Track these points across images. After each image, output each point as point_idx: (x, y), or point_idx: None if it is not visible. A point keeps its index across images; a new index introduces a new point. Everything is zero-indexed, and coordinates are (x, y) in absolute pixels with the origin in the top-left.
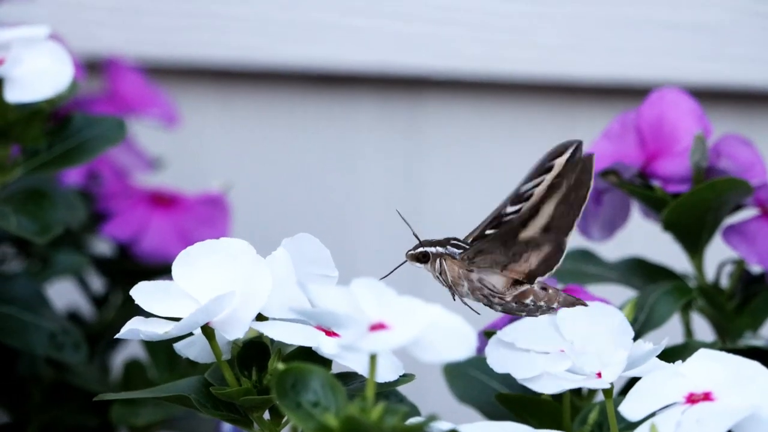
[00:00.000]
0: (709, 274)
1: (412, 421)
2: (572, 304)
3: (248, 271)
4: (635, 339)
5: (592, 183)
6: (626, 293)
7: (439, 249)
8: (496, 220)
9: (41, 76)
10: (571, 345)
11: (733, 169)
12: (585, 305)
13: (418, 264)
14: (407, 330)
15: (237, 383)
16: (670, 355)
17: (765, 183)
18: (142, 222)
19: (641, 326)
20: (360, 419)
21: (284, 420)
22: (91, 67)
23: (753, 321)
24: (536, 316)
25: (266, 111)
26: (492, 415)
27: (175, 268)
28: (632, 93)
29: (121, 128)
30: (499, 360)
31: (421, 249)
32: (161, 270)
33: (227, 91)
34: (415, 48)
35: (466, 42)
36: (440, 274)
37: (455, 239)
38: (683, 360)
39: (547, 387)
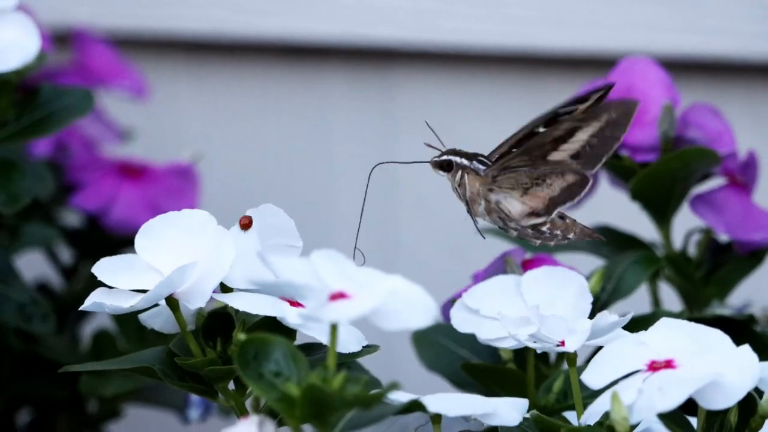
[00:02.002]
0: (677, 243)
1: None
2: (589, 236)
3: (211, 242)
4: (603, 308)
5: (628, 128)
6: (595, 262)
7: (464, 161)
8: (527, 138)
9: (8, 48)
10: (535, 310)
11: (701, 139)
12: (601, 239)
13: (441, 172)
14: (368, 299)
15: (202, 354)
16: (637, 324)
17: (733, 152)
18: (111, 193)
19: (609, 295)
20: (321, 388)
21: (249, 390)
22: (61, 39)
23: (720, 290)
24: (551, 244)
25: (237, 83)
26: (460, 383)
27: (138, 241)
28: (604, 64)
29: (89, 99)
30: (463, 321)
31: (445, 157)
32: (130, 241)
33: (198, 64)
34: (387, 20)
35: (438, 14)
36: (459, 186)
37: (483, 156)
38: None
39: (508, 343)
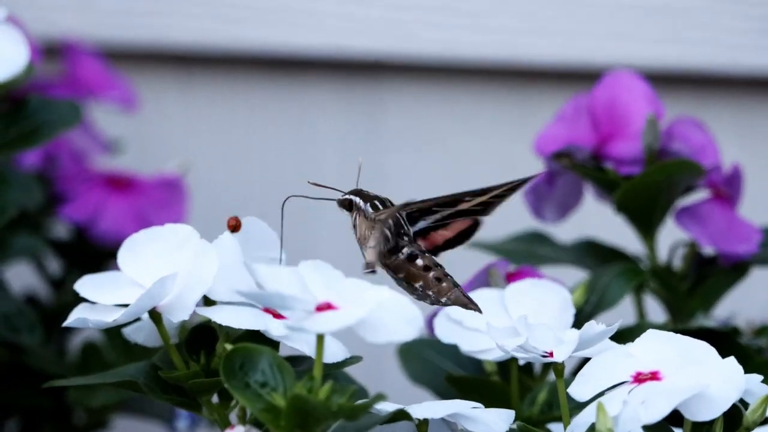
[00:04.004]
0: (662, 255)
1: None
2: (464, 305)
3: (193, 256)
4: (588, 320)
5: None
6: (579, 275)
7: (360, 202)
8: (453, 203)
9: None
10: (523, 321)
11: (685, 152)
12: (478, 310)
13: (344, 210)
14: (354, 311)
15: (185, 367)
16: (622, 336)
17: (717, 165)
18: (99, 204)
19: (593, 307)
20: (307, 399)
21: (233, 403)
22: (50, 51)
23: (705, 302)
24: (426, 302)
25: (225, 95)
26: (445, 395)
27: (121, 255)
28: (588, 76)
29: (77, 111)
30: (447, 332)
31: (347, 196)
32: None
33: (186, 75)
34: (373, 32)
35: (424, 26)
36: (354, 226)
37: (384, 200)
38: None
39: (492, 355)
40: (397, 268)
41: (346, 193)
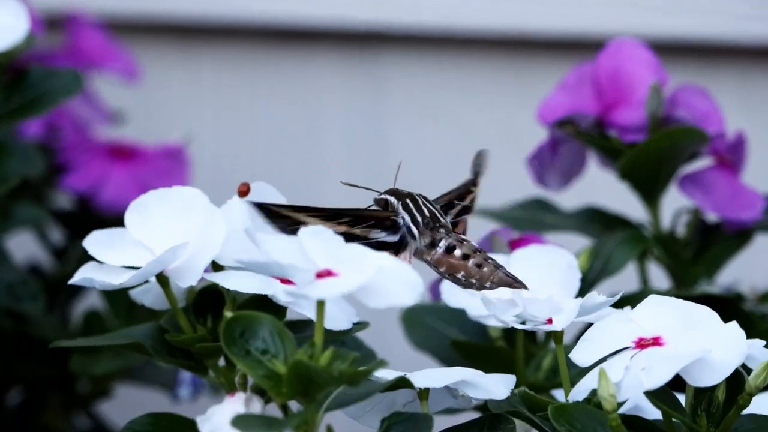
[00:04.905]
0: (666, 222)
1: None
2: (510, 285)
3: (202, 220)
4: (591, 286)
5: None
6: (583, 242)
7: (394, 200)
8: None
9: None
10: (518, 293)
11: (689, 119)
12: (524, 287)
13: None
14: (355, 277)
15: (192, 330)
16: (625, 302)
17: (721, 132)
18: (101, 174)
19: (597, 274)
20: (309, 365)
21: (239, 367)
22: (52, 23)
23: (708, 269)
24: (473, 289)
25: (227, 66)
26: (449, 362)
27: (129, 216)
28: (591, 46)
29: (78, 80)
30: (453, 296)
31: (383, 196)
32: (121, 222)
33: (188, 46)
34: (376, 3)
35: None
36: None
37: (417, 196)
38: None
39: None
40: (438, 263)
41: (382, 193)
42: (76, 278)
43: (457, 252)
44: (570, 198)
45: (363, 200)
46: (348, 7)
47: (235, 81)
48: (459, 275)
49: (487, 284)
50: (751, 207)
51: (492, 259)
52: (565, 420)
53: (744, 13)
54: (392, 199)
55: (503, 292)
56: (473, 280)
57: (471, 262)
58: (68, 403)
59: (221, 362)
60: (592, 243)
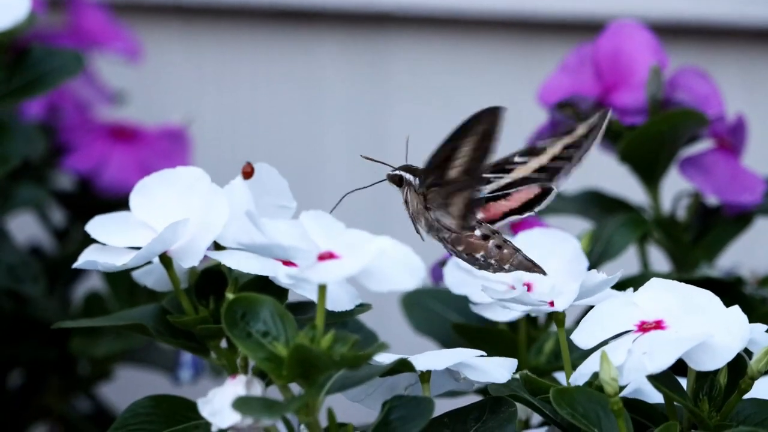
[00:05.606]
0: (666, 205)
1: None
2: (528, 269)
3: (204, 200)
4: (592, 269)
5: (496, 136)
6: (583, 225)
7: (410, 177)
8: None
9: None
10: (518, 280)
11: (689, 101)
12: (543, 272)
13: (395, 186)
14: (356, 260)
15: (194, 312)
16: (626, 285)
17: (721, 115)
18: (102, 155)
19: (598, 257)
20: (310, 348)
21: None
22: (54, 2)
23: (709, 253)
24: (489, 271)
25: (229, 47)
26: (449, 345)
27: (133, 198)
28: (592, 28)
29: (80, 60)
30: (456, 282)
31: (397, 172)
32: (122, 203)
33: (191, 28)
34: None
35: None
36: (405, 202)
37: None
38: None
39: (500, 314)
40: (455, 242)
41: (395, 169)
42: (80, 262)
43: (477, 232)
44: (570, 181)
45: (365, 179)
46: None
47: (237, 62)
48: (478, 255)
49: (506, 266)
50: (752, 190)
51: (510, 242)
52: (567, 403)
53: None
54: (407, 175)
55: (504, 277)
56: (492, 260)
57: (491, 242)
58: (69, 385)
59: (223, 344)
60: (592, 226)
